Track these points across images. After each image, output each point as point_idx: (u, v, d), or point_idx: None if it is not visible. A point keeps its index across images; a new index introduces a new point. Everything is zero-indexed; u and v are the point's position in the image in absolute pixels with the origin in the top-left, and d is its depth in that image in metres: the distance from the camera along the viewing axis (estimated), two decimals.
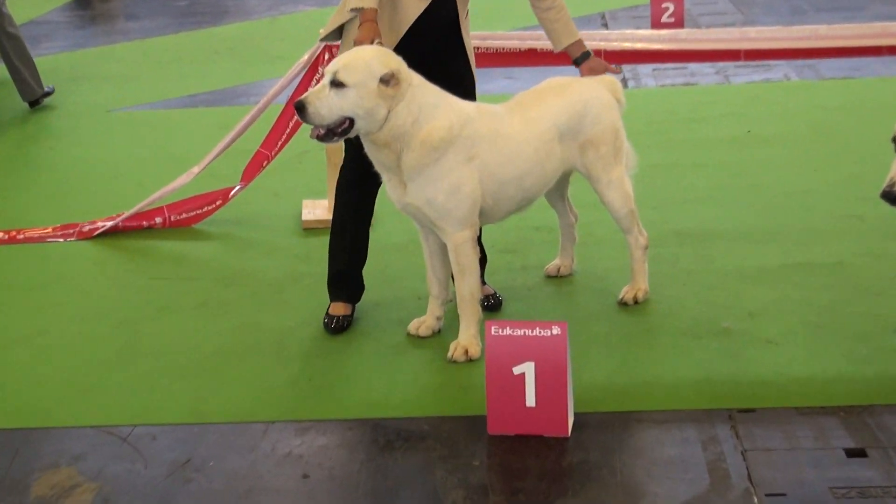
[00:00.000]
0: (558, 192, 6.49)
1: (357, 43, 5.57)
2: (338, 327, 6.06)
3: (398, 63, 5.53)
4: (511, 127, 5.82)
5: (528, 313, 6.18)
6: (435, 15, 5.87)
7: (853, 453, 4.81)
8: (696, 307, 6.17)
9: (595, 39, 7.45)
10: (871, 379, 5.36)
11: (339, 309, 6.12)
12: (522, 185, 5.86)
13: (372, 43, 5.53)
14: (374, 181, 5.93)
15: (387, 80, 5.43)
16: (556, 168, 5.99)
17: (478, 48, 7.29)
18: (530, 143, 5.84)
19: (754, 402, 5.22)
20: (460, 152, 5.63)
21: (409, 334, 5.99)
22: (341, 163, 6.18)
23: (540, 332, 5.00)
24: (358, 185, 6.07)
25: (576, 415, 5.12)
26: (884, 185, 4.99)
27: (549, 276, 6.62)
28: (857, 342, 5.68)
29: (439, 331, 5.99)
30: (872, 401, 5.17)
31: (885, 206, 5.07)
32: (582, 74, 6.22)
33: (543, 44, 7.31)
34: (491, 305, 6.22)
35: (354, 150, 5.89)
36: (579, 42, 6.23)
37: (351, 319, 6.13)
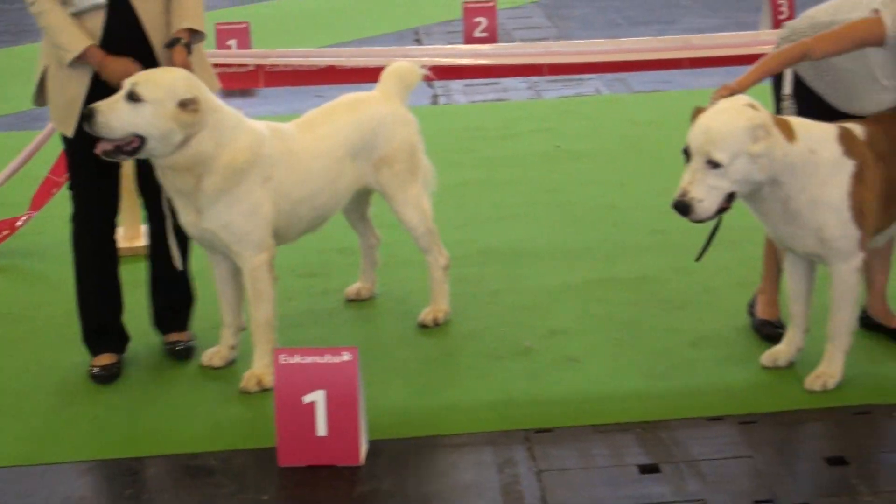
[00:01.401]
0: (358, 212, 6.35)
1: (117, 79, 5.31)
2: (109, 376, 5.71)
3: (203, 91, 5.33)
4: (301, 145, 5.66)
5: (328, 338, 6.01)
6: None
7: (646, 469, 4.75)
8: (498, 327, 6.07)
9: (397, 55, 7.33)
10: (667, 394, 5.32)
11: (106, 359, 5.77)
12: (314, 204, 5.71)
13: (133, 71, 5.28)
14: (108, 220, 5.68)
15: (185, 104, 5.21)
16: (349, 186, 5.85)
17: (275, 66, 7.13)
18: (321, 161, 5.69)
19: (552, 422, 5.13)
20: (258, 174, 5.45)
21: (202, 365, 5.78)
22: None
23: (330, 359, 4.84)
24: (93, 228, 5.69)
25: (370, 442, 4.97)
26: (675, 196, 4.95)
27: (349, 300, 6.47)
28: (656, 358, 5.65)
29: (234, 360, 5.78)
30: (668, 416, 5.13)
31: (689, 220, 5.03)
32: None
33: (344, 61, 7.19)
34: (178, 353, 5.89)
35: (81, 195, 5.63)
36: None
37: (120, 365, 5.78)
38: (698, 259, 5.53)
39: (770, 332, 5.79)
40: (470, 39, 12.55)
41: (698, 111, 5.11)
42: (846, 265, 5.21)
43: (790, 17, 12.54)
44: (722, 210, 5.02)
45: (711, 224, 5.22)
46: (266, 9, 15.68)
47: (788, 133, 5.07)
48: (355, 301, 6.46)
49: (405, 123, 6.01)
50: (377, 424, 5.07)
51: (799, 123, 5.16)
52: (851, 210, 5.13)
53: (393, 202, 6.01)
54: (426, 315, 6.12)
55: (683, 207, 4.95)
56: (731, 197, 5.00)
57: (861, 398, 5.19)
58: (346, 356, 4.84)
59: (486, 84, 11.07)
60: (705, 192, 4.94)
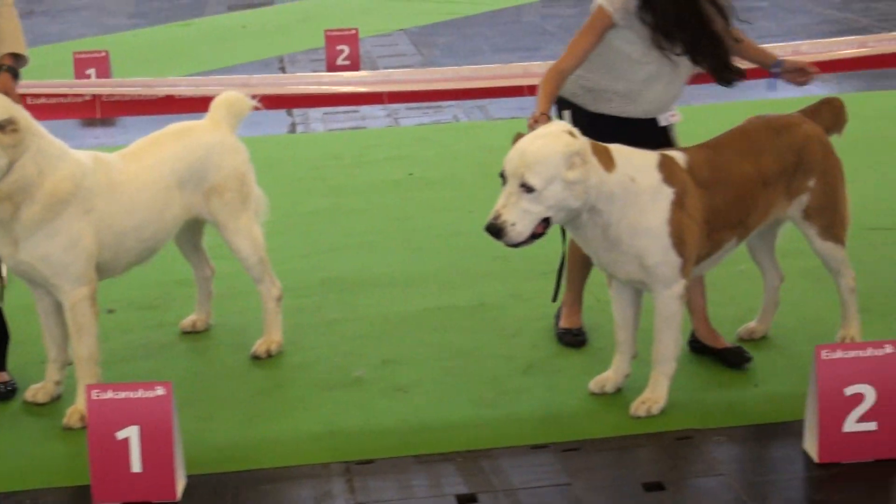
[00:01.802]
0: (191, 243, 6.26)
1: None
2: None
3: (22, 113, 5.22)
4: (126, 175, 5.56)
5: (160, 371, 5.90)
6: None
7: (464, 499, 4.73)
8: (332, 357, 6.01)
9: (235, 84, 7.27)
10: (493, 422, 5.30)
11: None
12: (141, 236, 5.61)
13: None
14: None
15: (3, 125, 5.10)
16: (178, 216, 5.76)
17: (112, 96, 7.04)
18: (147, 191, 5.60)
19: (374, 453, 5.09)
20: (79, 205, 5.34)
21: (25, 401, 5.64)
22: None
23: (143, 394, 4.75)
24: None
25: (189, 477, 4.88)
26: (488, 219, 4.95)
27: (185, 332, 6.37)
28: (486, 385, 5.63)
29: (59, 396, 5.65)
30: (492, 444, 5.11)
31: (503, 244, 5.02)
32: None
33: (182, 90, 7.12)
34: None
35: None
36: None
37: None
38: (554, 299, 5.57)
39: (570, 340, 5.91)
40: (332, 67, 12.49)
41: (518, 136, 5.11)
42: (668, 291, 5.23)
43: None
44: (536, 236, 5.02)
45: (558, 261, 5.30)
46: (130, 37, 15.50)
47: (607, 161, 5.09)
48: (191, 333, 6.36)
49: (234, 152, 5.94)
50: (198, 459, 5.00)
51: (619, 151, 5.18)
52: (671, 237, 5.16)
53: (224, 231, 5.93)
54: (259, 346, 6.05)
55: (496, 230, 4.95)
56: (546, 222, 5.01)
57: (683, 423, 5.21)
58: (159, 391, 4.75)
59: (345, 112, 11.03)
60: (518, 216, 4.94)
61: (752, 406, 5.37)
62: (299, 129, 10.76)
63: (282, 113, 11.09)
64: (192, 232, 6.16)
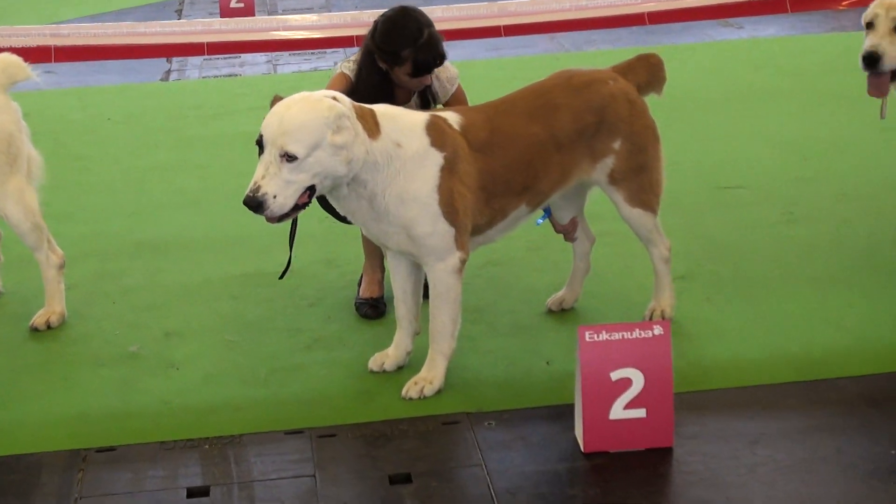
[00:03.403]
0: None
1: None
2: None
3: None
4: None
5: None
6: None
7: (195, 493, 4.39)
8: (113, 330, 5.66)
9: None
10: (255, 404, 4.96)
11: None
12: None
13: None
14: None
15: None
16: None
17: None
18: None
19: (120, 439, 4.73)
20: None
21: None
22: None
23: None
24: None
25: None
26: (247, 191, 4.58)
27: None
28: (261, 362, 5.29)
29: None
30: (247, 429, 4.77)
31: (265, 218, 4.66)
32: None
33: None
34: None
35: None
36: None
37: None
38: (282, 277, 5.22)
39: (367, 311, 5.66)
40: (227, 12, 12.01)
41: (276, 100, 4.73)
42: (442, 264, 4.88)
43: None
44: (300, 207, 4.66)
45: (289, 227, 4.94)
46: None
47: (372, 126, 4.72)
48: None
49: (1, 111, 5.53)
50: None
51: (385, 114, 4.81)
52: (441, 205, 4.79)
53: None
54: (38, 318, 5.69)
55: (255, 204, 4.58)
56: (311, 191, 4.64)
57: (455, 406, 4.87)
58: None
59: (224, 59, 10.60)
60: (280, 187, 4.58)
61: (540, 386, 5.03)
62: (173, 76, 10.33)
63: (162, 60, 10.69)
64: None
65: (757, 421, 4.67)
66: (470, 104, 5.47)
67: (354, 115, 4.68)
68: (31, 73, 5.74)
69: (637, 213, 5.33)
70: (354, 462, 4.55)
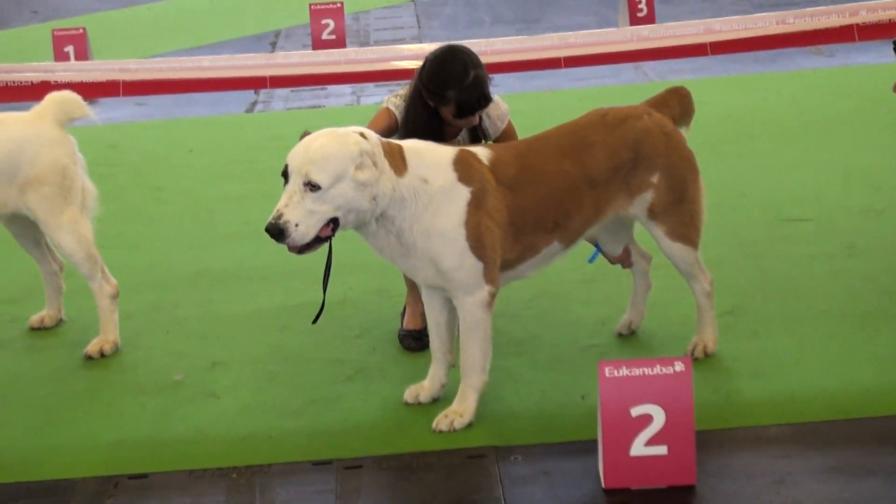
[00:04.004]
0: (29, 238, 6.07)
1: None
2: None
3: None
4: None
5: None
6: None
7: None
8: (161, 359, 5.77)
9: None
10: (288, 434, 5.01)
11: None
12: None
13: None
14: None
15: None
16: None
17: None
18: None
19: (150, 467, 4.82)
20: None
21: None
22: None
23: None
24: None
25: None
26: (269, 219, 4.65)
27: (32, 329, 6.15)
28: (299, 393, 5.34)
29: None
30: (275, 459, 4.82)
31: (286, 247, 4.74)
32: None
33: (59, 76, 6.92)
34: None
35: None
36: None
37: None
38: (315, 321, 5.25)
39: (410, 343, 5.67)
40: (319, 43, 12.20)
41: (305, 134, 4.81)
42: (471, 298, 4.89)
43: (649, 15, 12.21)
44: (322, 239, 4.72)
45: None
46: (113, 14, 15.32)
47: (399, 164, 4.76)
48: (39, 329, 6.15)
49: (54, 144, 5.69)
50: None
51: (412, 150, 4.85)
52: (468, 240, 4.81)
53: (45, 227, 5.73)
54: (92, 346, 5.82)
55: (277, 231, 4.66)
56: (334, 225, 4.70)
57: (483, 440, 4.87)
58: None
59: (310, 91, 10.73)
60: (302, 216, 4.64)
61: (571, 421, 5.00)
62: (258, 107, 10.50)
63: (250, 91, 10.86)
64: (23, 227, 5.94)
65: (784, 460, 4.59)
66: None
67: (381, 151, 4.72)
68: (88, 110, 5.88)
69: (678, 248, 5.29)
70: (376, 493, 4.58)
